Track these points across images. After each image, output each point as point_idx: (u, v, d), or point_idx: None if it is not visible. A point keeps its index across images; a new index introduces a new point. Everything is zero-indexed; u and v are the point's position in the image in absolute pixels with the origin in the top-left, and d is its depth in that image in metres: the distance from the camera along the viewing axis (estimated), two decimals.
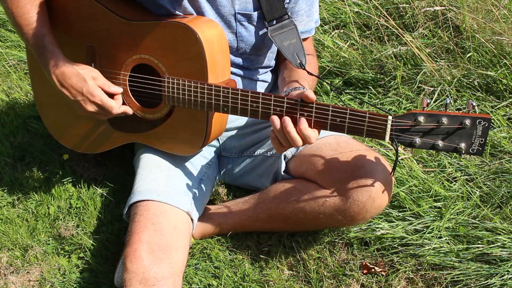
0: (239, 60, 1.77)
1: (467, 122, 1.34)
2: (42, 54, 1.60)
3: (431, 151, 1.55)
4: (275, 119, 1.45)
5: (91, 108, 1.60)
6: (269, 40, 1.69)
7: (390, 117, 1.39)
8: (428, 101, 1.37)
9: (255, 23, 1.70)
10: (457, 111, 1.41)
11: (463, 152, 1.37)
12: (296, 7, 1.73)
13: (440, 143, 1.38)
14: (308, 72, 1.67)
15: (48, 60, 1.59)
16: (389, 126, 1.40)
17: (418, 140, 1.39)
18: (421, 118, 1.36)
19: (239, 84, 1.79)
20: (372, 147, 2.02)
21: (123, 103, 1.68)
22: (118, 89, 1.65)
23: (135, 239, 1.53)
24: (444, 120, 1.35)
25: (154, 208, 1.61)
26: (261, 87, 1.87)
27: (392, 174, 1.55)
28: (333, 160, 1.62)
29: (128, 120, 1.73)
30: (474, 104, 1.34)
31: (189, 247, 1.66)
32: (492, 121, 2.13)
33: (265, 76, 1.89)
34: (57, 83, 1.59)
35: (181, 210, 1.65)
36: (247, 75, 1.82)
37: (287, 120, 1.43)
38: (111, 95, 1.64)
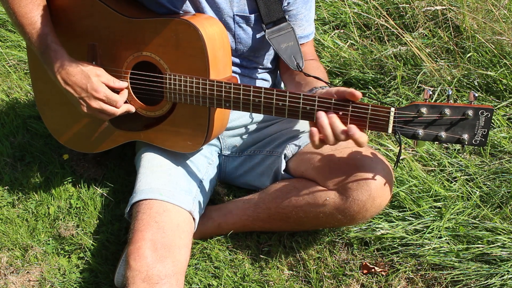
0: (237, 60, 1.77)
1: (470, 113, 1.33)
2: (45, 53, 1.60)
3: (435, 143, 1.54)
4: (322, 114, 1.43)
5: (95, 104, 1.60)
6: (267, 42, 1.69)
7: (392, 109, 1.39)
8: (430, 92, 1.37)
9: (253, 25, 1.71)
10: (459, 102, 1.40)
11: (466, 143, 1.36)
12: (295, 11, 1.73)
13: (443, 134, 1.37)
14: (305, 74, 1.68)
15: (51, 59, 1.59)
16: (392, 118, 1.40)
17: (421, 131, 1.39)
18: (423, 110, 1.36)
19: (239, 82, 1.79)
20: (372, 146, 2.02)
21: (125, 102, 1.68)
22: (123, 84, 1.65)
23: (138, 237, 1.53)
24: (447, 111, 1.35)
25: (156, 206, 1.61)
26: (261, 85, 1.87)
27: (395, 167, 1.55)
28: (333, 159, 1.62)
29: (130, 118, 1.73)
30: (476, 95, 1.34)
31: (191, 246, 1.66)
32: (492, 121, 2.13)
33: (264, 75, 1.89)
34: (61, 82, 1.60)
35: (183, 209, 1.65)
36: (246, 74, 1.83)
37: (334, 116, 1.42)
38: (116, 92, 1.64)
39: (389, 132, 1.42)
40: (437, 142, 1.40)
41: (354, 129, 1.40)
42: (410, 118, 1.39)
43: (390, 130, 1.41)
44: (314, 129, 1.44)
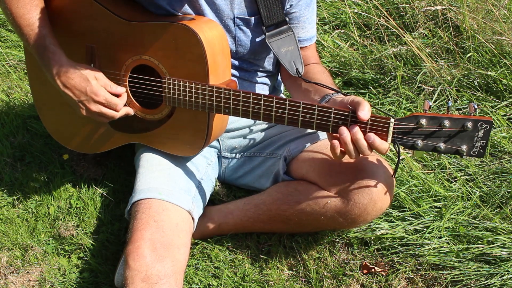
0: (237, 63, 1.77)
1: (469, 124, 1.34)
2: (43, 55, 1.59)
3: (432, 152, 1.54)
4: (343, 129, 1.42)
5: (95, 108, 1.60)
6: (267, 45, 1.68)
7: (392, 120, 1.39)
8: (430, 104, 1.38)
9: (253, 28, 1.70)
10: (459, 114, 1.41)
11: (465, 154, 1.37)
12: (297, 13, 1.72)
13: (442, 145, 1.38)
14: (305, 80, 1.67)
15: (50, 61, 1.58)
16: (391, 129, 1.40)
17: (420, 142, 1.39)
18: (423, 121, 1.37)
19: (239, 86, 1.78)
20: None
21: (124, 105, 1.67)
22: (120, 89, 1.64)
23: (137, 237, 1.53)
24: (446, 123, 1.35)
25: (156, 206, 1.61)
26: (260, 90, 1.87)
27: (393, 176, 1.55)
28: (335, 162, 1.61)
29: (129, 121, 1.73)
30: (475, 106, 1.35)
31: (190, 245, 1.66)
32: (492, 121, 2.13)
33: (265, 79, 1.88)
34: (59, 84, 1.59)
35: (182, 209, 1.65)
36: (247, 77, 1.82)
37: (356, 128, 1.41)
38: (114, 96, 1.63)
39: (388, 143, 1.42)
40: (436, 153, 1.41)
41: (373, 137, 1.40)
42: (409, 129, 1.39)
43: (389, 140, 1.41)
44: (336, 142, 1.43)
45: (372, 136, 1.40)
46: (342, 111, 1.42)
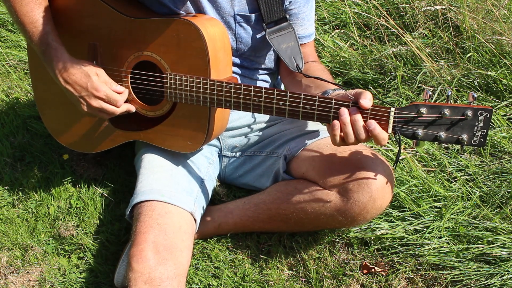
0: (238, 60, 1.77)
1: (469, 113, 1.34)
2: (46, 52, 1.60)
3: (434, 144, 1.53)
4: (344, 109, 1.42)
5: (95, 103, 1.60)
6: (268, 42, 1.69)
7: (392, 109, 1.40)
8: (430, 93, 1.38)
9: (253, 25, 1.71)
10: (459, 103, 1.40)
11: (465, 143, 1.37)
12: (296, 10, 1.73)
13: (443, 134, 1.38)
14: (305, 75, 1.68)
15: (52, 57, 1.59)
16: (392, 118, 1.40)
17: (420, 131, 1.40)
18: (423, 110, 1.37)
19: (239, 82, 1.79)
20: (372, 147, 2.03)
21: (125, 101, 1.68)
22: (120, 88, 1.65)
23: (141, 239, 1.54)
24: (446, 112, 1.35)
25: (159, 208, 1.61)
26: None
27: (394, 167, 1.55)
28: (334, 160, 1.62)
29: (129, 118, 1.73)
30: (475, 95, 1.35)
31: (192, 248, 1.66)
32: (492, 121, 2.13)
33: (265, 77, 1.89)
34: (61, 80, 1.60)
35: (185, 211, 1.65)
36: (247, 75, 1.83)
37: (356, 110, 1.41)
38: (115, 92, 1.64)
39: (389, 132, 1.42)
40: (437, 142, 1.41)
41: (374, 124, 1.40)
42: (410, 118, 1.39)
43: (390, 130, 1.42)
44: (336, 122, 1.42)
45: (373, 123, 1.40)
46: (343, 102, 1.43)
